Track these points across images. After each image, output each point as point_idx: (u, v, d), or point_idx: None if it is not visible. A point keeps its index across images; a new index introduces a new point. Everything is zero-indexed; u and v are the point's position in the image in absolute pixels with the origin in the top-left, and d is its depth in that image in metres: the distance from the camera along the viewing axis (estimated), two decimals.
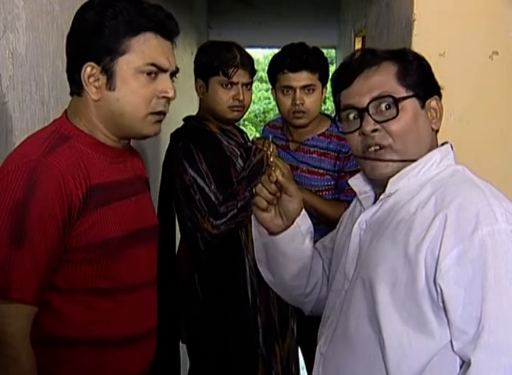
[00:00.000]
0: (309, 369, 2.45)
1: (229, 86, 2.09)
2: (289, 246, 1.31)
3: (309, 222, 1.33)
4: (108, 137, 1.30)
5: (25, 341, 1.17)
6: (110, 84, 1.25)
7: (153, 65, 1.26)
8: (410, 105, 1.20)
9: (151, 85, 1.27)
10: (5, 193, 1.15)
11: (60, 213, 1.17)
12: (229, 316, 2.08)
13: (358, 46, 4.63)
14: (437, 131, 1.26)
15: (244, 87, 2.12)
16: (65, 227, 1.19)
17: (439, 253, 1.08)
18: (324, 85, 2.28)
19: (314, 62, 2.21)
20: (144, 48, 1.25)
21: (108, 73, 1.24)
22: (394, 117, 1.18)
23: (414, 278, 1.10)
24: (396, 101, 1.18)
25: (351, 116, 1.23)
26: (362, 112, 1.20)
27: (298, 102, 2.20)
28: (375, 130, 1.19)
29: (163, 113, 1.32)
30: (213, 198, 1.98)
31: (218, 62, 2.08)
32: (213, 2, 6.52)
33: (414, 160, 1.20)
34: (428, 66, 1.25)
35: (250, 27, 6.59)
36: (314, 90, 2.22)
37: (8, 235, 1.14)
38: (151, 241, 1.41)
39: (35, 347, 1.19)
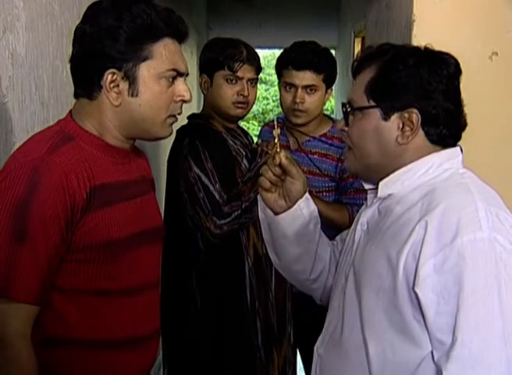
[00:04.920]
0: (307, 370, 2.44)
1: (234, 81, 2.07)
2: (290, 228, 1.32)
3: (313, 206, 1.33)
4: (117, 138, 1.30)
5: (25, 341, 1.16)
6: (132, 90, 1.24)
7: (174, 70, 1.27)
8: (372, 115, 1.19)
9: (170, 89, 1.28)
10: (7, 191, 1.14)
11: (62, 212, 1.16)
12: (227, 318, 2.06)
13: (358, 46, 4.64)
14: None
15: (249, 83, 2.09)
16: (67, 226, 1.18)
17: (418, 260, 1.05)
18: (329, 87, 2.25)
19: (320, 62, 2.18)
20: (165, 54, 1.25)
21: (130, 79, 1.24)
22: (347, 125, 1.24)
23: (395, 284, 1.09)
24: (350, 110, 1.22)
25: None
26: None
27: (298, 101, 2.19)
28: (343, 130, 1.26)
29: (177, 115, 1.33)
30: (217, 197, 1.96)
31: (223, 57, 2.06)
32: (212, 3, 6.53)
33: (383, 171, 1.20)
34: (425, 77, 1.16)
35: (249, 28, 6.59)
36: (316, 90, 2.20)
37: (9, 234, 1.13)
38: (155, 242, 1.41)
39: (36, 347, 1.18)
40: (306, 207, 1.31)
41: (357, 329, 1.16)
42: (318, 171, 2.25)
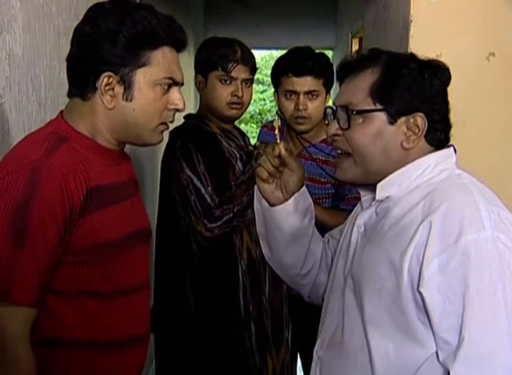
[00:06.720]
0: (306, 372, 2.44)
1: (228, 82, 2.05)
2: (285, 221, 1.31)
3: (309, 201, 1.33)
4: (108, 141, 1.30)
5: (25, 344, 1.16)
6: (127, 95, 1.25)
7: (170, 78, 1.28)
8: (376, 118, 1.17)
9: (164, 97, 1.28)
10: (5, 194, 1.13)
11: (61, 214, 1.16)
12: (220, 321, 2.03)
13: (355, 47, 4.64)
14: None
15: (244, 83, 2.07)
16: (65, 228, 1.18)
17: (422, 261, 1.06)
18: (328, 91, 2.24)
19: (319, 67, 2.18)
20: (163, 62, 1.26)
21: (126, 84, 1.24)
22: (347, 128, 1.19)
23: (399, 285, 1.09)
24: (354, 114, 1.17)
25: (330, 112, 1.26)
26: (335, 114, 1.23)
27: (301, 107, 2.17)
28: (337, 135, 1.21)
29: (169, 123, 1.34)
30: (209, 200, 1.95)
31: (217, 57, 2.05)
32: (210, 4, 6.53)
33: (383, 175, 1.18)
34: (428, 82, 1.17)
35: (247, 28, 6.58)
36: (317, 95, 2.19)
37: (9, 237, 1.13)
38: (145, 243, 1.41)
39: (32, 348, 1.18)
40: (302, 201, 1.31)
41: (359, 330, 1.16)
42: (319, 178, 2.23)
